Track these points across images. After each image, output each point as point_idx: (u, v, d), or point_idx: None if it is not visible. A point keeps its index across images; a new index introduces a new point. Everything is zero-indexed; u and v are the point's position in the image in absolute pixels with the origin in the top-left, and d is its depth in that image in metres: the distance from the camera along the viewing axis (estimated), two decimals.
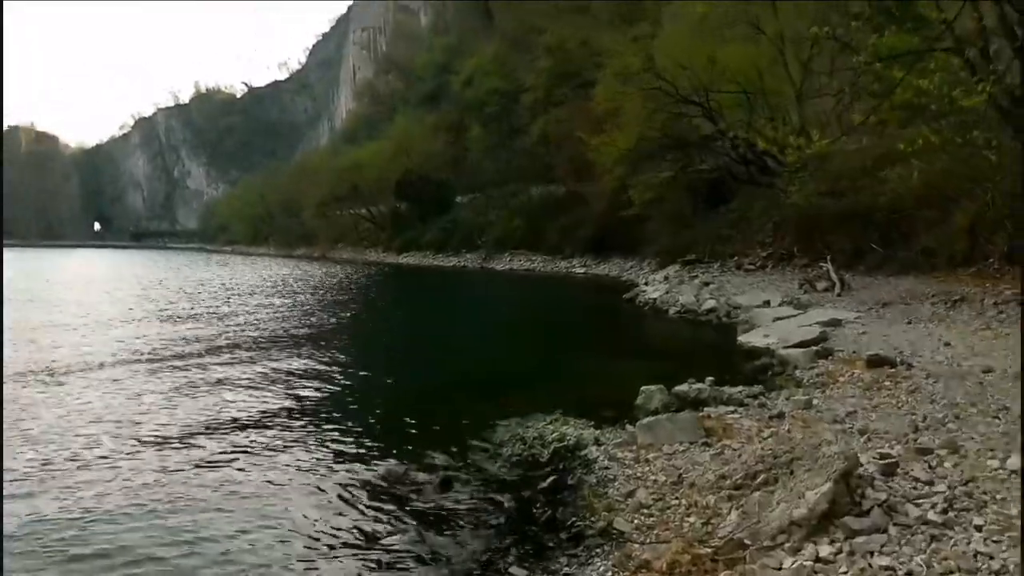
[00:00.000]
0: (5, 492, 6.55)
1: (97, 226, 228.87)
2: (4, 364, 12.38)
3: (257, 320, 20.82)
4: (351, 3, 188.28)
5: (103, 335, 17.11)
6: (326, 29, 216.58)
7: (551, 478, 7.23)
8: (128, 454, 8.06)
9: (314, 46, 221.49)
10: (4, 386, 10.81)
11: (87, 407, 10.13)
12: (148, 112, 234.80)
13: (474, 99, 63.84)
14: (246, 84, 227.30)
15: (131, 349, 15.07)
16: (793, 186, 21.94)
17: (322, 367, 13.45)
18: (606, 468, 7.31)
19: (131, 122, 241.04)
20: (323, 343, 16.90)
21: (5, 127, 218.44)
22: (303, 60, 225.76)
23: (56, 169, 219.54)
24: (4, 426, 8.44)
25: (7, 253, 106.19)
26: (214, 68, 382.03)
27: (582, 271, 40.51)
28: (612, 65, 32.71)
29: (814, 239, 21.88)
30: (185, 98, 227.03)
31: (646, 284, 27.47)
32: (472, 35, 77.44)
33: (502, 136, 59.39)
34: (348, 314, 24.48)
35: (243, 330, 18.46)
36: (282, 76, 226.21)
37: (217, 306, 25.00)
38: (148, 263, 68.39)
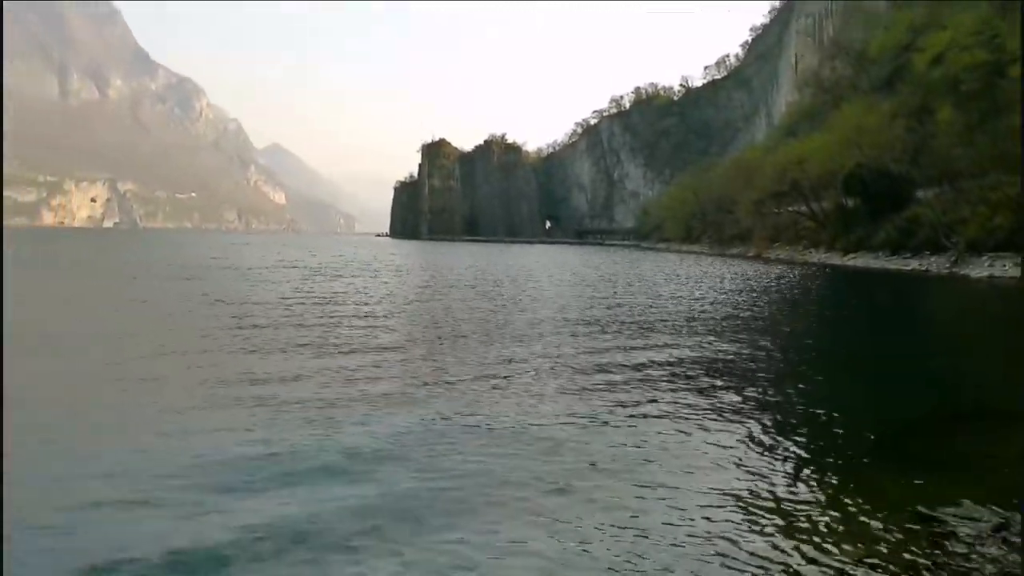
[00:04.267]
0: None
1: (548, 224, 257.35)
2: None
3: (707, 319, 20.19)
4: None
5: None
6: (765, 21, 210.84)
7: None
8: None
9: (752, 40, 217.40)
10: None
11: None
12: (593, 120, 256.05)
13: (944, 77, 55.14)
14: (683, 85, 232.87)
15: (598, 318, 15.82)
16: None
17: (791, 389, 12.08)
18: None
19: (578, 130, 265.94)
20: (780, 354, 15.50)
21: (482, 140, 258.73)
22: (740, 55, 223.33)
23: (519, 175, 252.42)
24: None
25: (485, 247, 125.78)
26: (655, 73, 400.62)
27: None
28: None
29: None
30: (626, 104, 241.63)
31: None
32: (944, 5, 67.13)
33: (981, 117, 50.24)
34: (801, 322, 22.56)
35: (686, 321, 17.99)
36: (719, 74, 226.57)
37: (665, 297, 25.21)
38: (601, 258, 73.78)
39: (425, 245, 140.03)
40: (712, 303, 25.36)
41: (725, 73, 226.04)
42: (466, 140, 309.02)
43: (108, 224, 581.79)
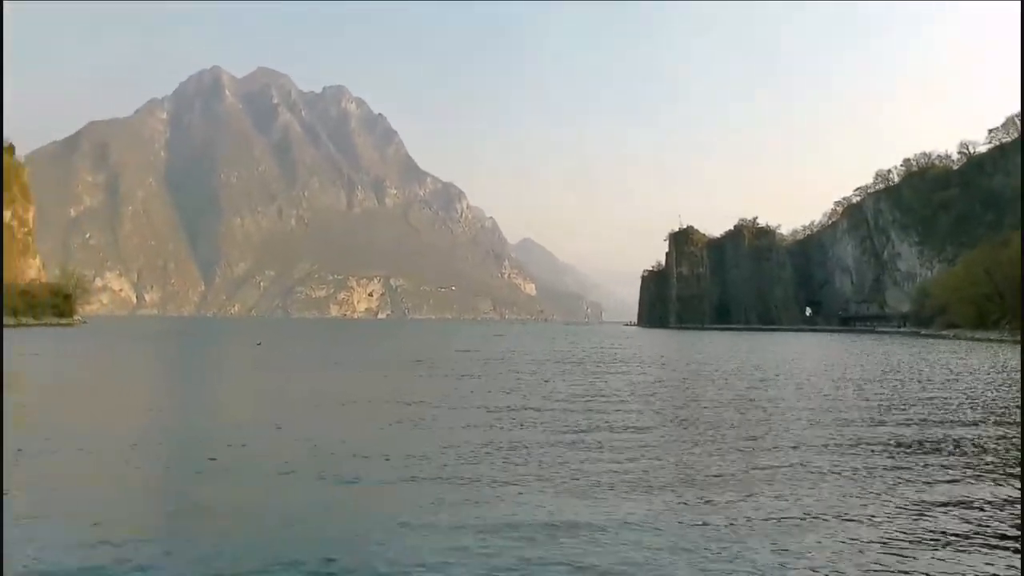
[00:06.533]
0: None
1: (807, 311, 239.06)
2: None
3: None
4: None
5: None
6: None
7: None
8: None
9: None
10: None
11: None
12: (856, 197, 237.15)
13: None
14: (963, 152, 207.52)
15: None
16: None
17: None
18: None
19: (838, 209, 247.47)
20: None
21: (731, 225, 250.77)
22: None
23: (773, 259, 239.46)
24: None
25: (739, 336, 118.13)
26: (924, 143, 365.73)
27: None
28: None
29: None
30: (895, 178, 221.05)
31: None
32: None
33: None
34: None
35: None
36: (1008, 136, 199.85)
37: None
38: (893, 355, 64.86)
39: (675, 335, 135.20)
40: None
41: (1016, 134, 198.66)
42: (714, 226, 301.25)
43: (382, 315, 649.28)
